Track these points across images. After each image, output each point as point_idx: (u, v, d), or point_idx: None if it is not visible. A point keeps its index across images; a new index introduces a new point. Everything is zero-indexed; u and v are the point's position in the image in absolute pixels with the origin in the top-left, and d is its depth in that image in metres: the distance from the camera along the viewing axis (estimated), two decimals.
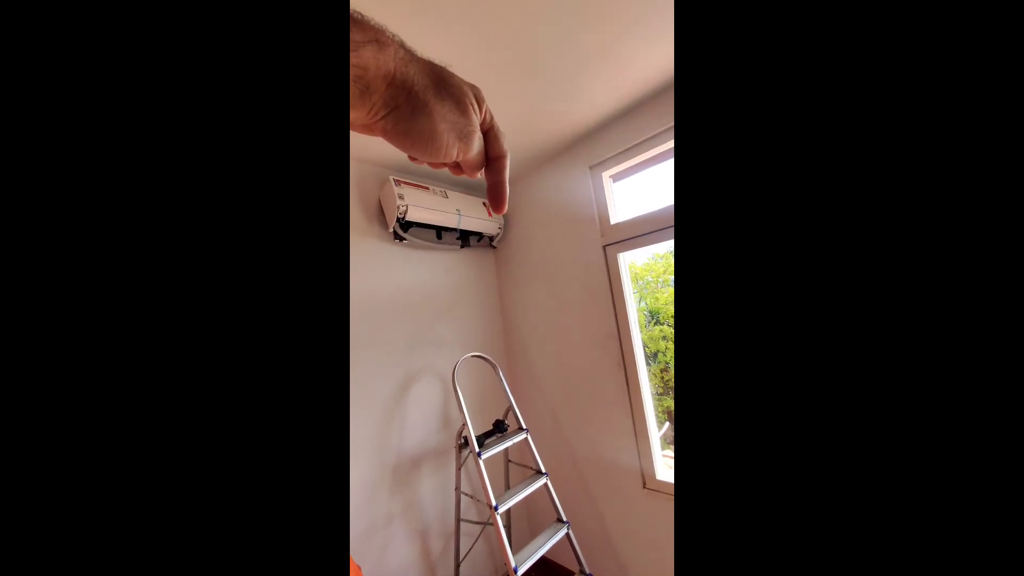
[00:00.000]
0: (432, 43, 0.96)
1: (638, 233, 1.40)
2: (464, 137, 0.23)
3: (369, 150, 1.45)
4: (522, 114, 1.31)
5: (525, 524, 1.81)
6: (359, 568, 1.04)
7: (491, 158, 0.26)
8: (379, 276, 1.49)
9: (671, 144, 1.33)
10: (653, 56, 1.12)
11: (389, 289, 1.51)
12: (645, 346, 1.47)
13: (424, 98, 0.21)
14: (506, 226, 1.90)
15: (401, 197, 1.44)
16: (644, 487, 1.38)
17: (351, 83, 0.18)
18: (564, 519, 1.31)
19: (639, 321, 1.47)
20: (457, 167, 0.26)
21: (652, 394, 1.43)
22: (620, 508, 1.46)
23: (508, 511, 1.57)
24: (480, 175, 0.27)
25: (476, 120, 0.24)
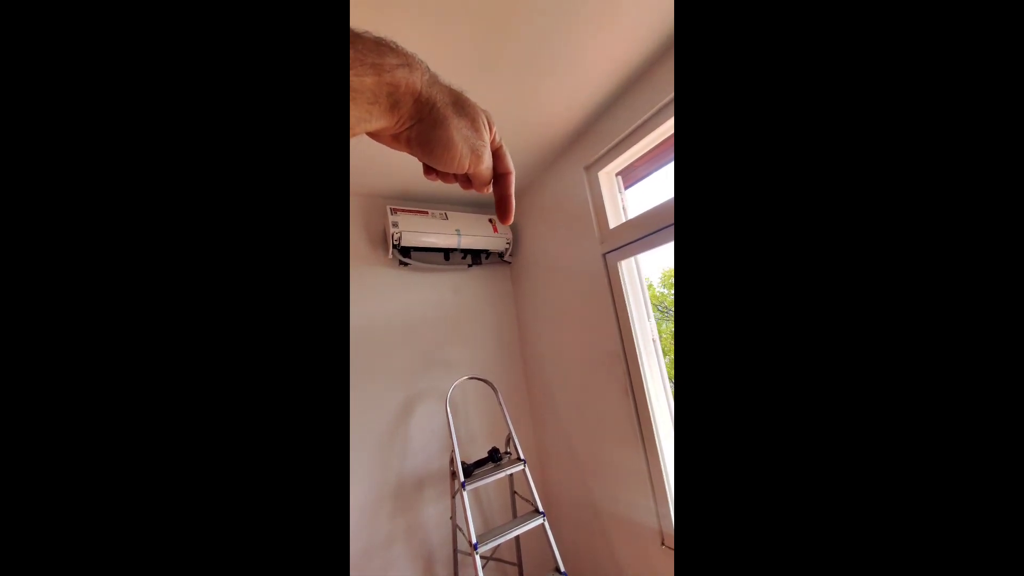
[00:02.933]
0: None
1: (636, 237, 1.19)
2: (475, 151, 0.26)
3: (372, 185, 1.56)
4: (517, 122, 1.26)
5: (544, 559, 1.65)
6: None
7: (499, 174, 0.29)
8: (382, 301, 1.57)
9: (664, 132, 1.11)
10: (623, 41, 0.96)
11: (392, 313, 1.57)
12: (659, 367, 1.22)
13: (445, 113, 0.24)
14: (515, 240, 1.83)
15: (395, 225, 1.51)
16: (662, 544, 1.13)
17: (385, 97, 0.22)
18: (562, 570, 1.15)
19: (657, 339, 1.24)
20: (467, 182, 0.29)
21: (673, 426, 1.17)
22: (638, 566, 1.22)
23: (518, 544, 1.45)
24: (488, 190, 0.30)
25: (487, 138, 0.27)
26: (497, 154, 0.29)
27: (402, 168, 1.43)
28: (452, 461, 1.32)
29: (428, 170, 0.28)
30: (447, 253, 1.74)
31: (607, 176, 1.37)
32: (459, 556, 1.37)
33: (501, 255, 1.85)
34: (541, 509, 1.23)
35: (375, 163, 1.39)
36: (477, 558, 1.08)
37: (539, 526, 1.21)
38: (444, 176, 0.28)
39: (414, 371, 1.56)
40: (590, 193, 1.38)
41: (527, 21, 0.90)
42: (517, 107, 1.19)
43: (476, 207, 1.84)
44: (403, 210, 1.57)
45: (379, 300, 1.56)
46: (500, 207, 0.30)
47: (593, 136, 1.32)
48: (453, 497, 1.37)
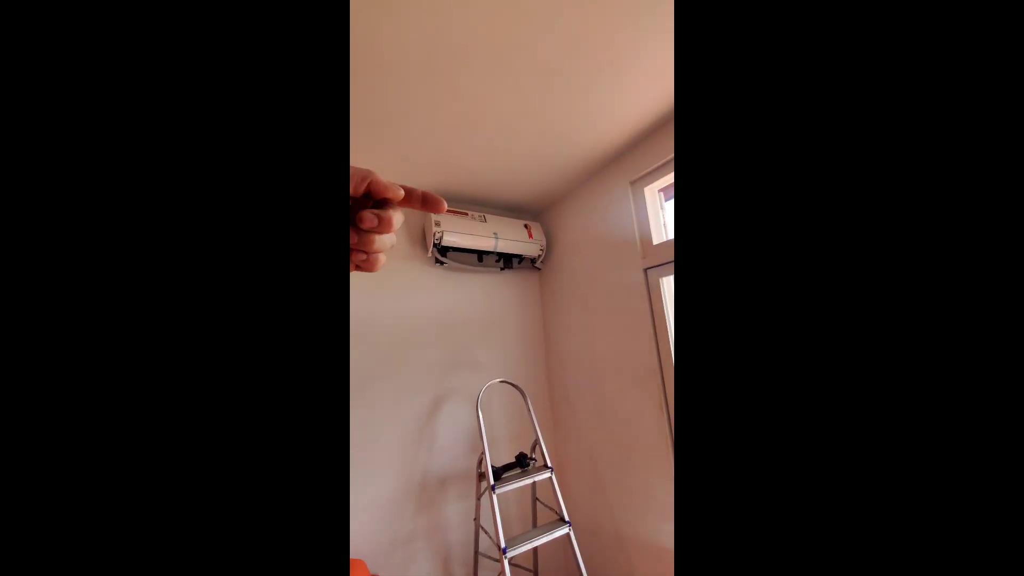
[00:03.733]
0: (462, 64, 1.01)
1: None
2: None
3: (414, 182, 1.58)
4: (561, 131, 1.28)
5: (560, 570, 1.65)
6: None
7: (403, 192, 0.28)
8: (418, 298, 1.58)
9: None
10: None
11: (427, 311, 1.59)
12: None
13: None
14: (548, 247, 1.84)
15: (437, 224, 1.53)
16: None
17: None
18: None
19: None
20: (375, 218, 0.26)
21: None
22: None
23: (535, 552, 1.45)
24: (393, 198, 0.28)
25: None
26: (374, 181, 0.27)
27: (445, 166, 1.45)
28: (481, 463, 1.33)
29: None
30: (480, 255, 1.75)
31: (652, 192, 1.38)
32: (479, 558, 1.37)
33: (533, 261, 1.86)
34: (567, 519, 1.23)
35: (417, 160, 1.41)
36: (506, 562, 1.09)
37: (563, 536, 1.21)
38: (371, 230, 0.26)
39: (444, 369, 1.57)
40: (635, 208, 1.39)
41: (598, 32, 0.92)
42: (572, 115, 1.21)
43: (512, 212, 1.86)
44: (447, 210, 1.59)
45: (415, 297, 1.58)
46: (427, 204, 0.29)
47: (643, 151, 1.34)
48: (478, 499, 1.38)
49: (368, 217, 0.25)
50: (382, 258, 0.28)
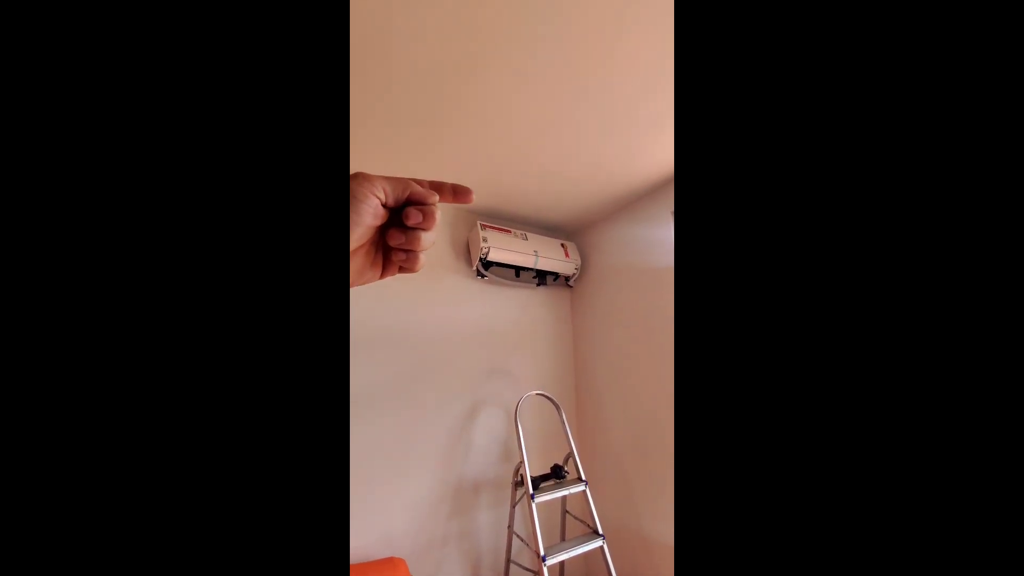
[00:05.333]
0: (522, 98, 1.11)
1: None
2: (362, 186, 0.25)
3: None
4: (601, 158, 1.37)
5: None
6: None
7: (432, 188, 0.29)
8: (459, 309, 1.66)
9: None
10: None
11: (467, 321, 1.67)
12: None
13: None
14: (583, 267, 1.92)
15: (485, 240, 1.61)
16: None
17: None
18: None
19: None
20: (418, 214, 0.27)
21: None
22: None
23: (562, 565, 1.49)
24: (447, 200, 0.30)
25: (364, 189, 0.26)
26: (401, 183, 0.28)
27: (492, 184, 1.54)
28: (518, 471, 1.38)
29: (395, 234, 0.27)
30: (518, 271, 1.84)
31: None
32: (511, 566, 1.42)
33: (567, 279, 1.94)
34: (601, 531, 1.28)
35: (467, 176, 1.50)
36: (545, 569, 1.13)
37: (599, 548, 1.25)
38: (407, 234, 0.27)
39: (480, 378, 1.64)
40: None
41: (666, 80, 1.01)
42: (629, 148, 1.30)
43: (548, 231, 1.95)
44: (491, 227, 1.68)
45: (456, 306, 1.66)
46: (457, 194, 0.30)
47: None
48: (513, 506, 1.42)
49: (413, 213, 0.27)
50: (423, 258, 0.28)
